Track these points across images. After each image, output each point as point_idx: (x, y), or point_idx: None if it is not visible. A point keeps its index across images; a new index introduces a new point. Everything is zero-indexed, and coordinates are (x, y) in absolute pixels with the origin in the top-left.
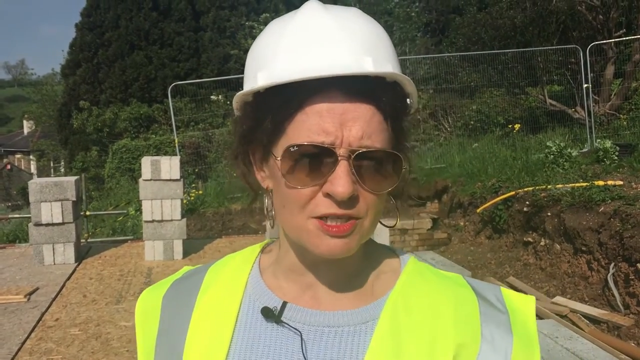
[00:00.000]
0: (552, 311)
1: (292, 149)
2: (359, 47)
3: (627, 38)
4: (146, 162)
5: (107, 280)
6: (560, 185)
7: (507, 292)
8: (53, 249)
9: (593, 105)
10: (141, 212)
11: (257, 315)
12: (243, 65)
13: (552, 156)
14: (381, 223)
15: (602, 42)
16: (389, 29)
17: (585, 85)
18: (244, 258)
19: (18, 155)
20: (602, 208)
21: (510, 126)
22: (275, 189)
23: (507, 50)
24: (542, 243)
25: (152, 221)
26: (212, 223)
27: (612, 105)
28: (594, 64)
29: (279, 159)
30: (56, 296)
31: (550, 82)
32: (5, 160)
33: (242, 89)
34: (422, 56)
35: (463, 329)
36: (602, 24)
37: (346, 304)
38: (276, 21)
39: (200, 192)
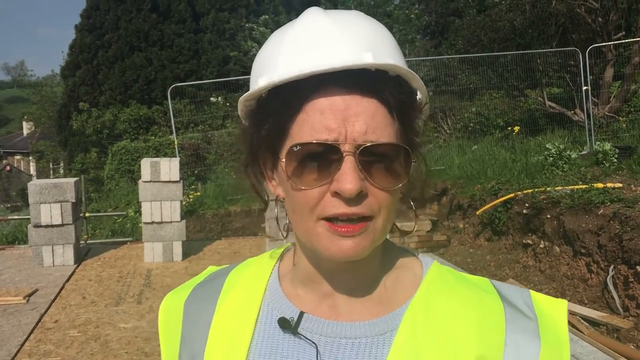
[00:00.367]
0: None
1: (295, 149)
2: (358, 44)
3: (627, 41)
4: (145, 163)
5: (106, 281)
6: (559, 188)
7: (537, 296)
8: (52, 251)
9: (592, 108)
10: (140, 214)
11: (275, 325)
12: (243, 67)
13: (551, 158)
14: (397, 228)
15: (601, 44)
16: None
17: (585, 87)
18: (263, 263)
19: (17, 157)
20: (602, 210)
21: (509, 128)
22: (285, 195)
23: (507, 53)
24: (542, 245)
25: (152, 223)
26: (211, 225)
27: (611, 108)
28: (593, 66)
29: (283, 160)
30: (55, 298)
31: (549, 84)
32: (4, 162)
33: (244, 92)
34: (421, 58)
35: (486, 340)
36: (602, 27)
37: (364, 314)
38: (277, 31)
39: (200, 193)
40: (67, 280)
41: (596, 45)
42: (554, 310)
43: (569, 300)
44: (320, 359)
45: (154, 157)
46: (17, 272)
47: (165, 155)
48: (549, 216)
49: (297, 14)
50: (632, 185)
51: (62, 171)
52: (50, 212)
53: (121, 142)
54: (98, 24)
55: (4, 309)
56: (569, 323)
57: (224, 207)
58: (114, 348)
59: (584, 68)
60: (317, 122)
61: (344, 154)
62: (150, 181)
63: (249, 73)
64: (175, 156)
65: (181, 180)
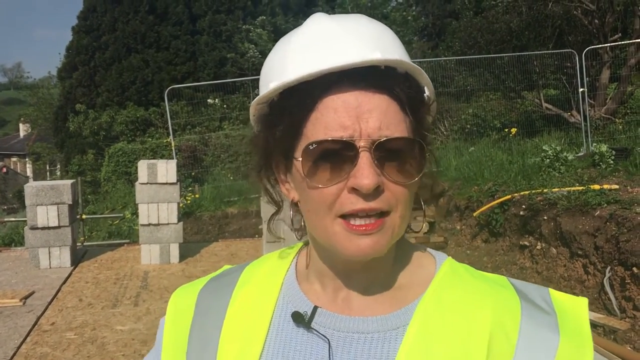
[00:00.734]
0: None
1: (311, 147)
2: (366, 43)
3: (623, 42)
4: (142, 165)
5: (103, 284)
6: (556, 189)
7: (555, 293)
8: (49, 253)
9: (589, 109)
10: (137, 216)
11: (289, 319)
12: (240, 68)
13: (548, 160)
14: (409, 228)
15: (597, 46)
16: None
17: (581, 89)
18: (281, 258)
19: (14, 159)
20: (598, 212)
21: (506, 130)
22: (301, 196)
23: (503, 55)
24: (539, 247)
25: (149, 225)
26: (208, 226)
27: (607, 109)
28: (589, 68)
29: (299, 159)
30: (52, 300)
31: (546, 86)
32: (1, 163)
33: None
34: (418, 60)
35: (499, 333)
36: (598, 29)
37: (378, 309)
38: (284, 37)
39: (197, 195)
40: (64, 283)
41: (592, 47)
42: (574, 307)
43: None
44: (333, 354)
45: (151, 159)
46: (13, 275)
47: (162, 157)
48: (545, 218)
49: (294, 16)
50: (628, 187)
51: (58, 173)
52: (46, 214)
53: (118, 143)
54: (95, 25)
55: (1, 312)
56: None
57: (221, 209)
58: (111, 350)
59: (581, 70)
60: (331, 120)
61: (360, 150)
62: (147, 183)
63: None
64: (173, 158)
65: (178, 182)
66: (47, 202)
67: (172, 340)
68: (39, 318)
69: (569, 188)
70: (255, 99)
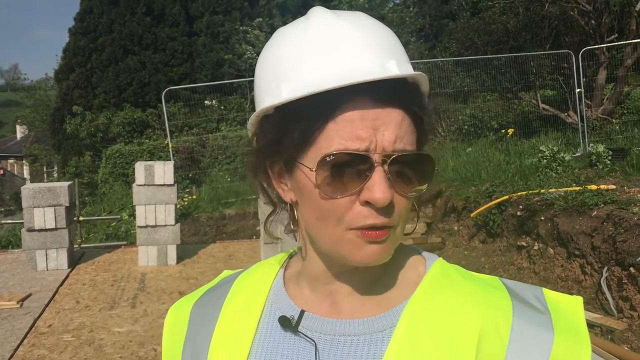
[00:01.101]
0: None
1: (328, 159)
2: (380, 50)
3: (619, 43)
4: (140, 167)
5: (100, 286)
6: (553, 190)
7: (549, 292)
8: (46, 255)
9: (586, 110)
10: (135, 217)
11: (276, 323)
12: (237, 69)
13: (545, 160)
14: None
15: (594, 47)
16: None
17: (578, 89)
18: (270, 266)
19: (11, 160)
20: (595, 212)
21: (503, 131)
22: (304, 202)
23: (500, 55)
24: (536, 247)
25: (146, 226)
26: (206, 228)
27: (604, 110)
28: (586, 68)
29: (314, 169)
30: (49, 302)
31: (543, 86)
32: None
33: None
34: (415, 61)
35: (491, 334)
36: (595, 29)
37: (365, 312)
38: (287, 30)
39: (194, 197)
40: (61, 285)
41: (589, 47)
42: (569, 306)
43: None
44: (319, 357)
45: (148, 160)
46: (10, 277)
47: (159, 158)
48: (543, 218)
49: (292, 17)
50: (625, 187)
51: (56, 175)
52: (43, 216)
53: (115, 145)
54: (92, 27)
55: None
56: None
57: (219, 210)
58: (108, 352)
59: (577, 70)
60: (347, 131)
61: (375, 164)
62: (145, 185)
63: (243, 76)
64: (170, 159)
65: (175, 184)
66: (44, 204)
67: (168, 355)
68: (36, 320)
69: (566, 188)
70: (265, 108)
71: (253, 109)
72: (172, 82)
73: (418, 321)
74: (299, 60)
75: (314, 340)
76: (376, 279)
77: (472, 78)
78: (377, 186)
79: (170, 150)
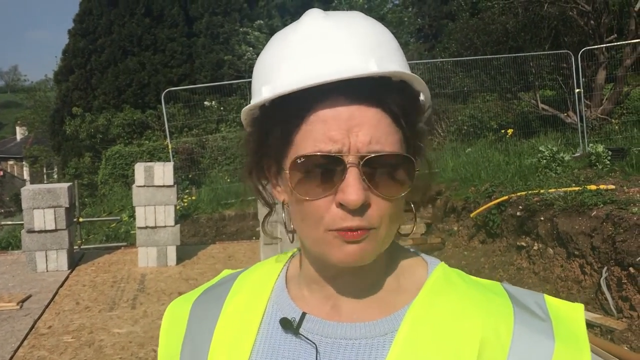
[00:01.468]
0: None
1: (299, 161)
2: (361, 48)
3: (619, 43)
4: (139, 168)
5: (100, 287)
6: (553, 190)
7: (550, 299)
8: (46, 256)
9: (585, 110)
10: (134, 219)
11: (278, 325)
12: (237, 70)
13: (544, 161)
14: (398, 232)
15: (593, 47)
16: None
17: (577, 90)
18: (272, 266)
19: (11, 162)
20: (595, 212)
21: (503, 131)
22: (290, 203)
23: (500, 56)
24: (536, 247)
25: (146, 227)
26: (205, 229)
27: (604, 110)
28: (585, 69)
29: (287, 171)
30: (49, 303)
31: (542, 87)
32: None
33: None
34: (415, 61)
35: (492, 340)
36: (594, 29)
37: (366, 315)
38: (279, 34)
39: (194, 197)
40: (61, 286)
41: (588, 47)
42: (570, 313)
43: None
44: None
45: (148, 161)
46: (10, 278)
47: (159, 159)
48: (542, 218)
49: (291, 18)
50: (624, 187)
51: (55, 176)
52: (43, 218)
53: (115, 146)
54: (91, 28)
55: None
56: None
57: (218, 211)
58: (108, 353)
59: (577, 70)
60: (321, 132)
61: (348, 165)
62: (144, 186)
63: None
64: (169, 160)
65: (175, 185)
66: (44, 205)
67: (166, 354)
68: (36, 321)
69: (566, 188)
70: (247, 107)
71: None
72: (172, 83)
73: (420, 326)
74: (281, 62)
75: (315, 343)
76: (377, 283)
77: (472, 78)
78: (349, 188)
79: (170, 151)
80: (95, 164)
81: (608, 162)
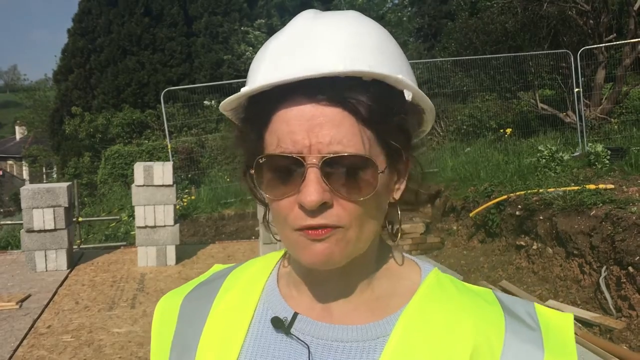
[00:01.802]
0: None
1: (260, 161)
2: (336, 47)
3: (618, 42)
4: (139, 167)
5: (99, 286)
6: (552, 189)
7: (541, 308)
8: (45, 256)
9: (584, 110)
10: (134, 218)
11: (269, 324)
12: (236, 70)
13: (544, 160)
14: (382, 239)
15: (592, 46)
16: None
17: (577, 89)
18: (264, 263)
19: (10, 161)
20: (594, 212)
21: (502, 130)
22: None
23: (499, 55)
24: (535, 247)
25: (145, 227)
26: (205, 228)
27: (603, 109)
28: (585, 68)
29: (252, 171)
30: (48, 303)
31: (541, 86)
32: None
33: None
34: (414, 61)
35: (483, 348)
36: (593, 29)
37: (358, 318)
38: (273, 36)
39: (193, 197)
40: (60, 285)
41: (588, 47)
42: (559, 323)
43: (561, 301)
44: None
45: (148, 161)
46: (10, 278)
47: (158, 159)
48: (541, 218)
49: (291, 17)
50: (624, 187)
51: (55, 176)
52: (43, 217)
53: (114, 146)
54: (90, 28)
55: None
56: None
57: (218, 211)
58: (108, 353)
59: (576, 70)
60: (283, 132)
61: (308, 166)
62: (144, 185)
63: (242, 76)
64: (169, 160)
65: (174, 184)
66: (43, 205)
67: (157, 349)
68: (35, 321)
69: (565, 188)
70: (221, 104)
71: None
72: (171, 83)
73: (412, 332)
74: (261, 63)
75: (307, 344)
76: (368, 285)
77: (471, 78)
78: (306, 189)
79: (169, 150)
80: (95, 164)
81: (607, 162)
